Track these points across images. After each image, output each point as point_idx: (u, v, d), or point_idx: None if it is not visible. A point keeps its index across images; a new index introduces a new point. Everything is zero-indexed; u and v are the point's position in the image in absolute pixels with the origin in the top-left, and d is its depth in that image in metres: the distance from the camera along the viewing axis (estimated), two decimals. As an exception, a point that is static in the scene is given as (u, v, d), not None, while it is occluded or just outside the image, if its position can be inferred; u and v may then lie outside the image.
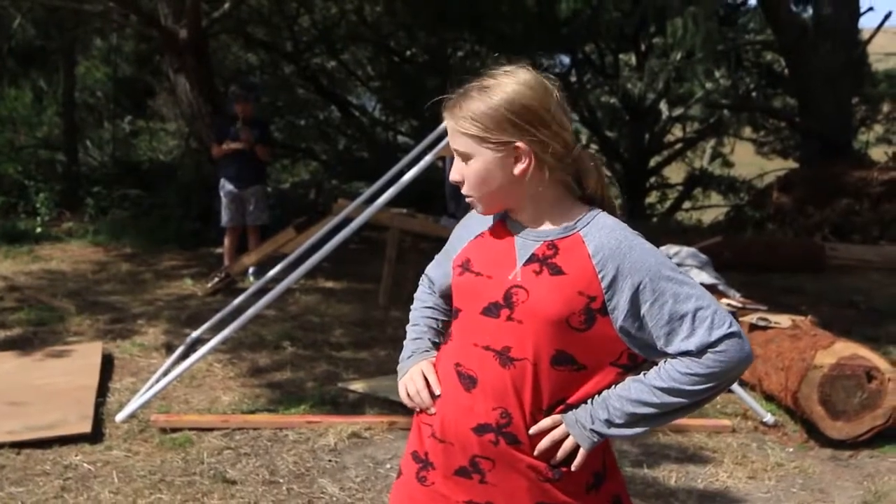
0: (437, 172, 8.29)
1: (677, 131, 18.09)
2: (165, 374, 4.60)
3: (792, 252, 9.23)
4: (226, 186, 7.75)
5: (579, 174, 1.70)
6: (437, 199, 8.07)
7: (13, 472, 3.65)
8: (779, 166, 15.71)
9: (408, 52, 14.85)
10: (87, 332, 5.94)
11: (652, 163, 17.25)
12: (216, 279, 7.24)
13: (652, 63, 13.67)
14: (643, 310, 1.59)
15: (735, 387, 4.65)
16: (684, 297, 1.58)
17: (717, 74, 15.34)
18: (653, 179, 17.70)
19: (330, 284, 7.78)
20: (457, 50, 14.48)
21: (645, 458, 3.95)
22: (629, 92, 14.88)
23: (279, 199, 11.04)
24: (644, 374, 1.64)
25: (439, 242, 2.01)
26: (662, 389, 1.59)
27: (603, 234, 1.62)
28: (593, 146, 16.03)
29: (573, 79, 15.63)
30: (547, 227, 1.67)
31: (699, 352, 1.57)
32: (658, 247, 1.68)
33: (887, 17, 13.56)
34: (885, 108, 16.42)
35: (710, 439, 4.24)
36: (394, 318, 6.33)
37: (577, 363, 1.62)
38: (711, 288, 5.57)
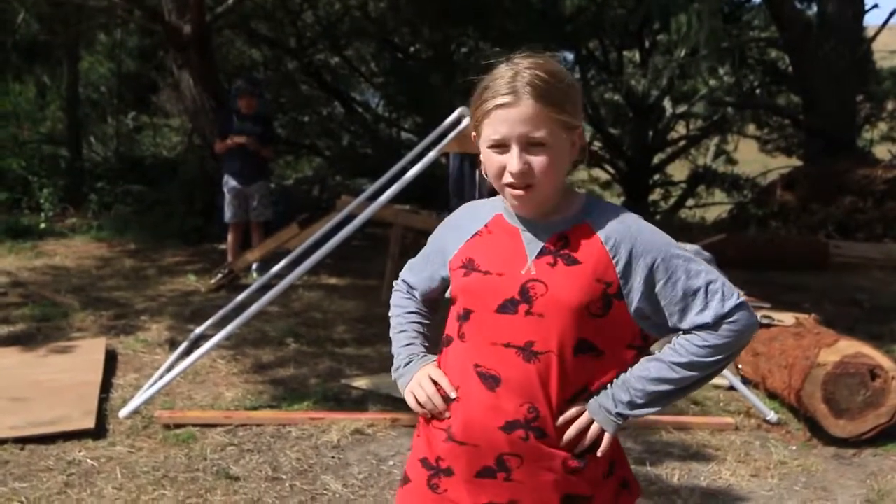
0: (441, 169, 8.29)
1: (681, 128, 18.06)
2: (169, 370, 4.61)
3: (795, 250, 9.22)
4: (229, 182, 7.75)
5: None
6: (440, 196, 8.06)
7: (17, 467, 3.65)
8: (783, 164, 15.68)
9: (412, 49, 14.83)
10: (91, 327, 5.94)
11: (655, 160, 17.23)
12: (219, 275, 7.25)
13: (656, 60, 13.67)
14: (657, 288, 1.63)
15: (738, 384, 4.67)
16: (695, 273, 1.64)
17: (721, 71, 15.31)
18: (656, 177, 17.67)
19: (333, 281, 7.79)
20: (461, 46, 14.44)
21: (648, 456, 3.95)
22: (633, 89, 14.89)
23: (282, 196, 11.01)
24: (658, 352, 1.68)
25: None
26: (681, 364, 1.64)
27: (610, 219, 1.65)
28: (597, 143, 16.03)
29: (577, 75, 15.59)
30: (552, 218, 1.67)
31: (715, 324, 1.62)
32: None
33: (892, 14, 13.48)
34: (890, 105, 16.36)
35: (713, 437, 4.23)
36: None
37: (597, 349, 1.64)
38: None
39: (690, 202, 17.39)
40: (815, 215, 10.95)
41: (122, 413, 4.22)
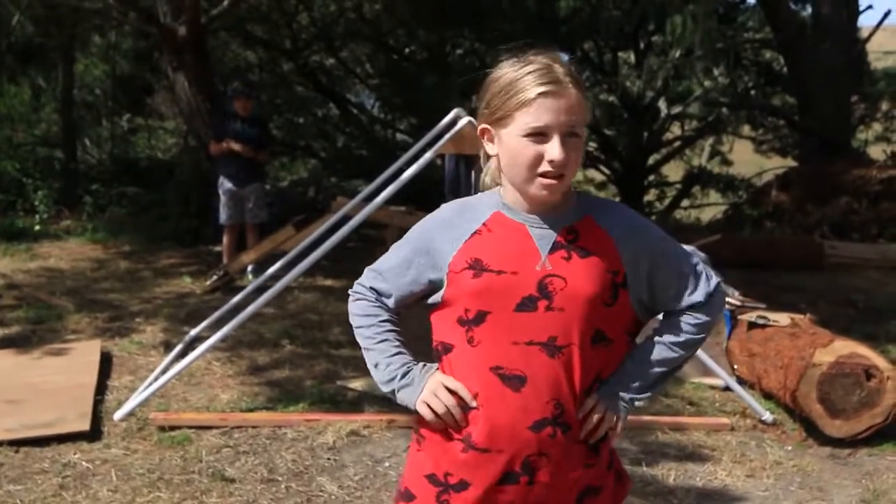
0: (436, 170, 8.28)
1: (676, 129, 18.08)
2: (164, 372, 4.61)
3: (791, 250, 9.23)
4: (224, 184, 7.74)
5: None
6: (435, 197, 8.05)
7: (11, 469, 3.64)
8: (777, 164, 15.71)
9: (407, 50, 14.83)
10: (86, 329, 5.93)
11: (650, 161, 17.26)
12: (215, 277, 7.24)
13: (651, 61, 13.70)
14: (657, 275, 1.69)
15: (734, 385, 4.67)
16: (684, 256, 1.74)
17: (716, 72, 15.36)
18: (651, 177, 17.71)
19: (329, 282, 7.78)
20: (456, 48, 14.45)
21: (644, 457, 3.95)
22: (628, 90, 14.90)
23: (278, 197, 11.02)
24: (655, 336, 1.75)
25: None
26: (679, 344, 1.73)
27: (610, 212, 1.70)
28: (592, 144, 16.03)
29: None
30: (555, 213, 1.66)
31: (706, 302, 1.72)
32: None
33: (886, 15, 13.51)
34: (884, 106, 16.41)
35: (708, 437, 4.24)
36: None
37: (608, 338, 1.67)
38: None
39: (685, 203, 17.43)
40: (810, 216, 10.96)
41: (117, 415, 4.21)
